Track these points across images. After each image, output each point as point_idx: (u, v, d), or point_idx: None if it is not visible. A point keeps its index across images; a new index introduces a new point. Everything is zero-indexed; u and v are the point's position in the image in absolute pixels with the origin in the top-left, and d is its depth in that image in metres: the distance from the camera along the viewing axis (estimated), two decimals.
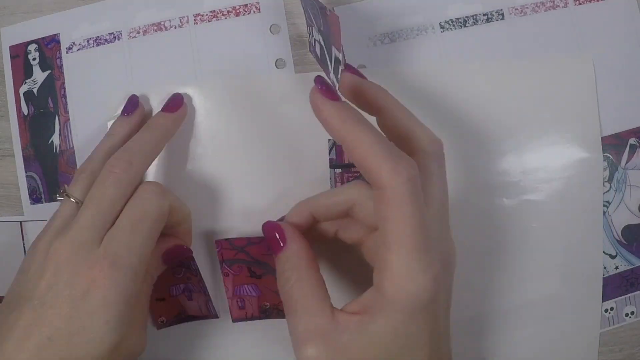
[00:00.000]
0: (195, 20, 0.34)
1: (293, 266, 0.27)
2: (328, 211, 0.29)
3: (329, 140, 0.35)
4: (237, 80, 0.34)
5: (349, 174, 0.35)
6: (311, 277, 0.26)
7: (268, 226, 0.29)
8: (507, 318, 0.36)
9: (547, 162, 0.35)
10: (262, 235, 0.31)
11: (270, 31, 0.34)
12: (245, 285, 0.34)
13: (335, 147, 0.35)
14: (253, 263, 0.33)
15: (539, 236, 0.35)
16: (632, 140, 0.35)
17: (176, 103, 0.33)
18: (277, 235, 0.28)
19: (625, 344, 0.37)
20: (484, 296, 0.36)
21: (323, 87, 0.24)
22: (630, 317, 0.37)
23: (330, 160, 0.35)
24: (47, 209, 0.36)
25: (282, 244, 0.28)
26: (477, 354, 0.36)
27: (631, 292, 0.36)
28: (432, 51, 0.35)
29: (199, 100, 0.34)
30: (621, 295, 0.36)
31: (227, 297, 0.33)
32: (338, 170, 0.35)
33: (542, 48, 0.35)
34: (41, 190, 0.36)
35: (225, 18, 0.34)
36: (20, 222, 0.37)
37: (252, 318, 0.34)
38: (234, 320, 0.34)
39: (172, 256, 0.31)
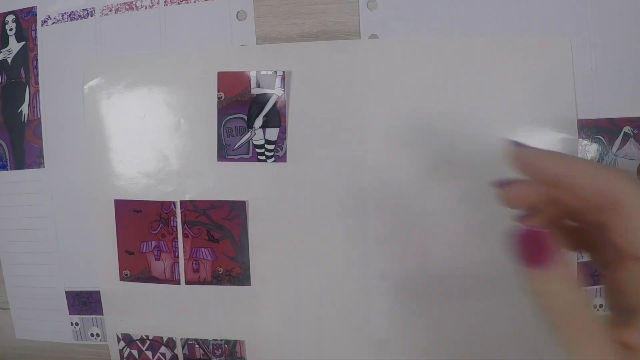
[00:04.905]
0: (165, 1, 0.36)
1: (563, 290, 0.21)
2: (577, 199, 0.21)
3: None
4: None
5: None
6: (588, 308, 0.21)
7: (529, 235, 0.22)
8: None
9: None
10: (227, 200, 0.32)
11: (237, 17, 0.36)
12: (203, 249, 0.35)
13: None
14: (213, 226, 0.35)
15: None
16: (626, 129, 0.34)
17: None
18: (544, 248, 0.21)
19: None
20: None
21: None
22: (597, 310, 0.35)
23: None
24: (12, 176, 0.37)
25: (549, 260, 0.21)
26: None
27: (600, 284, 0.35)
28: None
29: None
30: (591, 285, 0.34)
31: (184, 258, 0.35)
32: None
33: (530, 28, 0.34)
34: (7, 157, 0.37)
35: (195, 1, 0.36)
36: None
37: (204, 282, 0.35)
38: (187, 282, 0.35)
39: None
